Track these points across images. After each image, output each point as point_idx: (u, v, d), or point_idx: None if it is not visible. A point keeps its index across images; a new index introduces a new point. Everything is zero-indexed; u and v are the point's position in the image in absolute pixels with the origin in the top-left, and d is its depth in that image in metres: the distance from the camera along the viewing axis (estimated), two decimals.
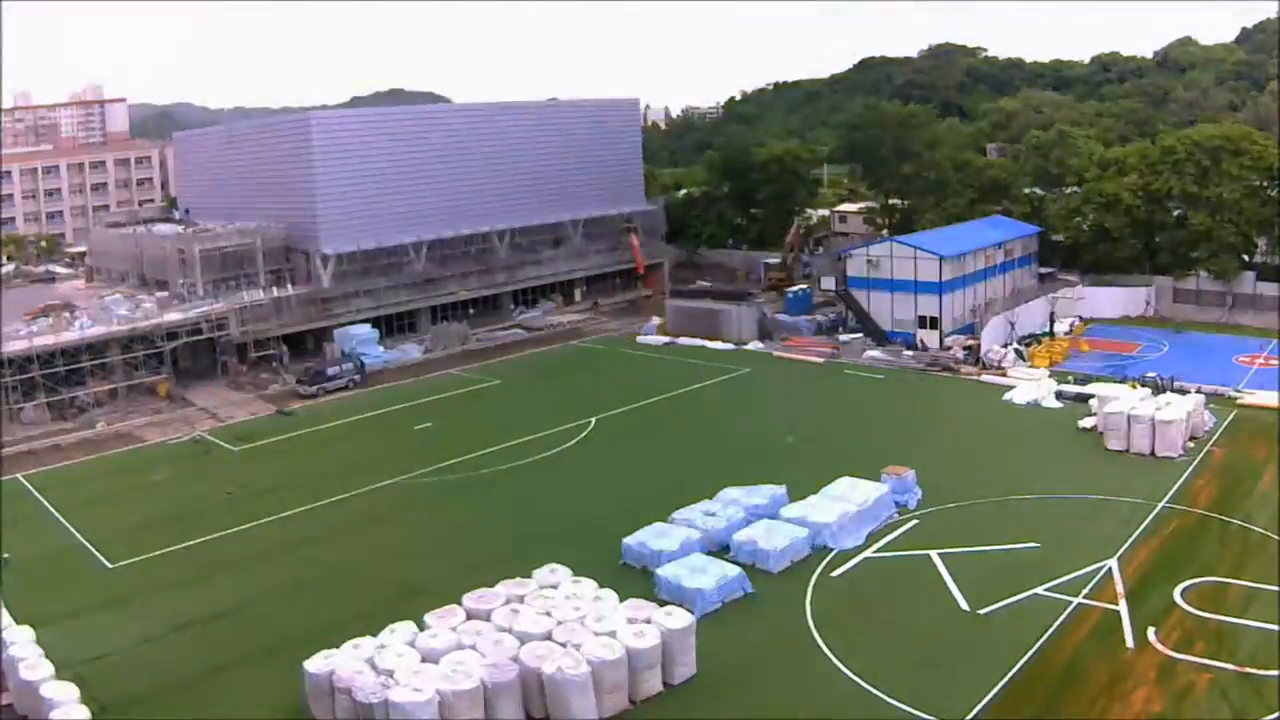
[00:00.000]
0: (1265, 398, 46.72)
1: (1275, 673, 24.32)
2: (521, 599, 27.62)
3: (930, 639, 27.16)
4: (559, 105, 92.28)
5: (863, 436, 45.23)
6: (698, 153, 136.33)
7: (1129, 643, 26.33)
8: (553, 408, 51.38)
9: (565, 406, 51.14)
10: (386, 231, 68.61)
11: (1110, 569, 30.30)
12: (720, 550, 32.40)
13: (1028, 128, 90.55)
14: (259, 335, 60.87)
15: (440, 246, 71.73)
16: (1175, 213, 67.92)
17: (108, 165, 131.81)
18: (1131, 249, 68.92)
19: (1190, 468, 38.76)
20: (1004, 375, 53.48)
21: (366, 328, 64.84)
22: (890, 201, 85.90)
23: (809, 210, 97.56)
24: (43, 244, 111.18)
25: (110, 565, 34.70)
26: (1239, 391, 48.27)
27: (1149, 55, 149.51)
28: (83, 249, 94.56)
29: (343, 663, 24.44)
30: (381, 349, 64.16)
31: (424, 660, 24.67)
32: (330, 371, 57.96)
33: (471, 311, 73.34)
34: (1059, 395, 48.65)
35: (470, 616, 27.00)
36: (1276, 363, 53.25)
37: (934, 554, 31.96)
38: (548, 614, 26.58)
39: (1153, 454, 39.99)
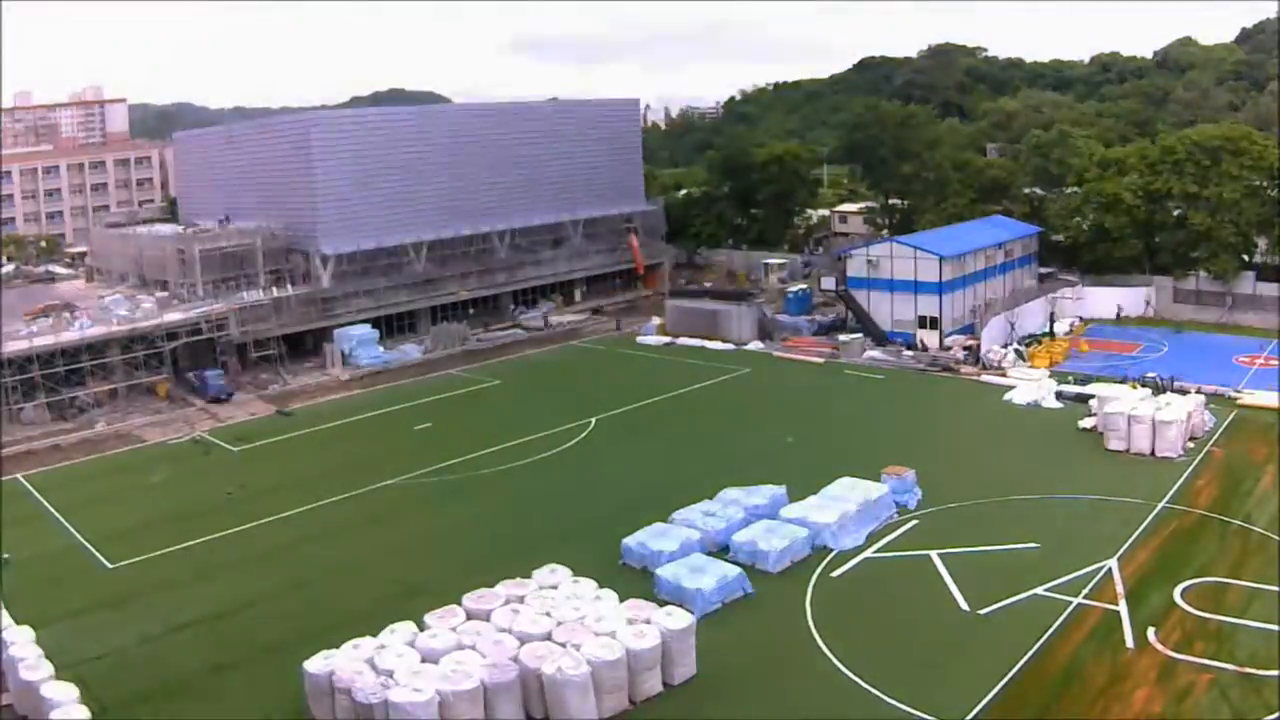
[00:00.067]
0: (1265, 398, 46.72)
1: (1275, 673, 24.32)
2: (521, 599, 27.61)
3: (930, 639, 27.16)
4: (559, 105, 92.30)
5: (863, 436, 45.24)
6: (698, 153, 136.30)
7: (1129, 643, 26.33)
8: (553, 408, 51.39)
9: (565, 406, 51.14)
10: (386, 231, 68.61)
11: (1110, 569, 30.30)
12: (720, 551, 32.40)
13: (1028, 128, 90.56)
14: (259, 335, 60.88)
15: (440, 246, 71.69)
16: (1175, 213, 67.94)
17: (108, 165, 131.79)
18: (1131, 249, 68.91)
19: (1190, 468, 38.76)
20: (1004, 375, 53.48)
21: (366, 328, 64.88)
22: (890, 201, 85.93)
23: (809, 210, 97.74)
24: (43, 244, 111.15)
25: (110, 565, 34.69)
26: (1239, 392, 48.28)
27: (1149, 55, 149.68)
28: (83, 249, 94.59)
29: (343, 663, 24.43)
30: (381, 349, 64.18)
31: (424, 660, 24.66)
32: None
33: (471, 311, 73.32)
34: (1059, 395, 48.66)
35: (470, 616, 26.99)
36: (1276, 363, 53.25)
37: (934, 554, 31.96)
38: (548, 614, 26.56)
39: (1153, 454, 39.99)
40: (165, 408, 54.65)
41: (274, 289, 63.78)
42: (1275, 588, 28.39)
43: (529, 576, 28.97)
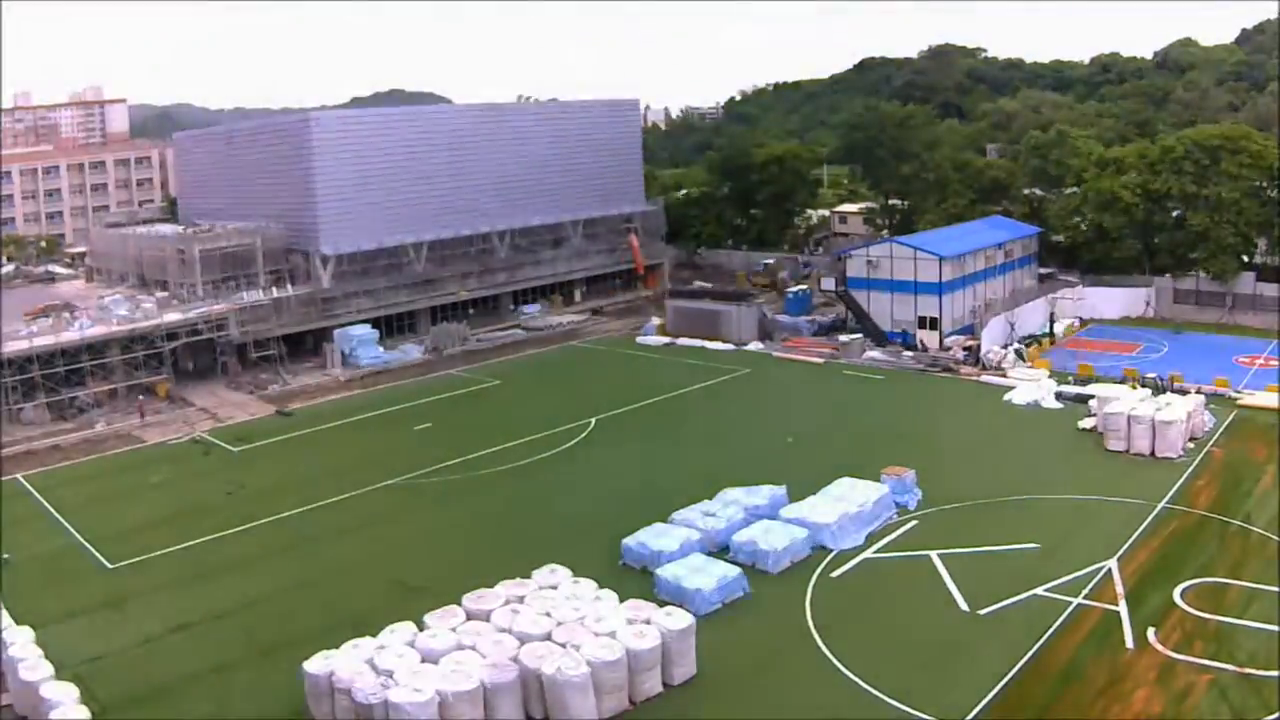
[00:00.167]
0: (1265, 398, 46.71)
1: (1275, 673, 24.33)
2: (521, 599, 27.61)
3: (930, 639, 27.15)
4: (559, 105, 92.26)
5: (863, 437, 45.23)
6: (698, 153, 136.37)
7: (1129, 643, 26.34)
8: (553, 408, 51.39)
9: (565, 407, 51.15)
10: (386, 231, 68.62)
11: (1110, 569, 30.30)
12: (720, 551, 32.40)
13: (1027, 128, 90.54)
14: (259, 335, 60.87)
15: (440, 246, 71.69)
16: (1174, 213, 67.95)
17: (108, 165, 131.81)
18: (1131, 249, 68.95)
19: (1190, 468, 38.76)
20: (1004, 376, 53.47)
21: (366, 328, 64.88)
22: (890, 202, 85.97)
23: (809, 210, 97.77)
24: (43, 244, 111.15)
25: (110, 565, 34.69)
26: (1239, 392, 48.28)
27: (1149, 56, 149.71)
28: (83, 249, 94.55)
29: (342, 663, 24.43)
30: (381, 349, 64.18)
31: (424, 661, 24.66)
32: None
33: (471, 312, 73.31)
34: (1059, 396, 48.66)
35: (470, 617, 26.99)
36: (1276, 363, 53.25)
37: (934, 554, 31.96)
38: (547, 614, 26.56)
39: (1153, 454, 39.98)
40: (165, 408, 54.61)
41: (274, 289, 63.76)
42: (1275, 588, 28.39)
43: (529, 577, 28.96)
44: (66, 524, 38.45)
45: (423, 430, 49.71)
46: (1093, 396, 45.36)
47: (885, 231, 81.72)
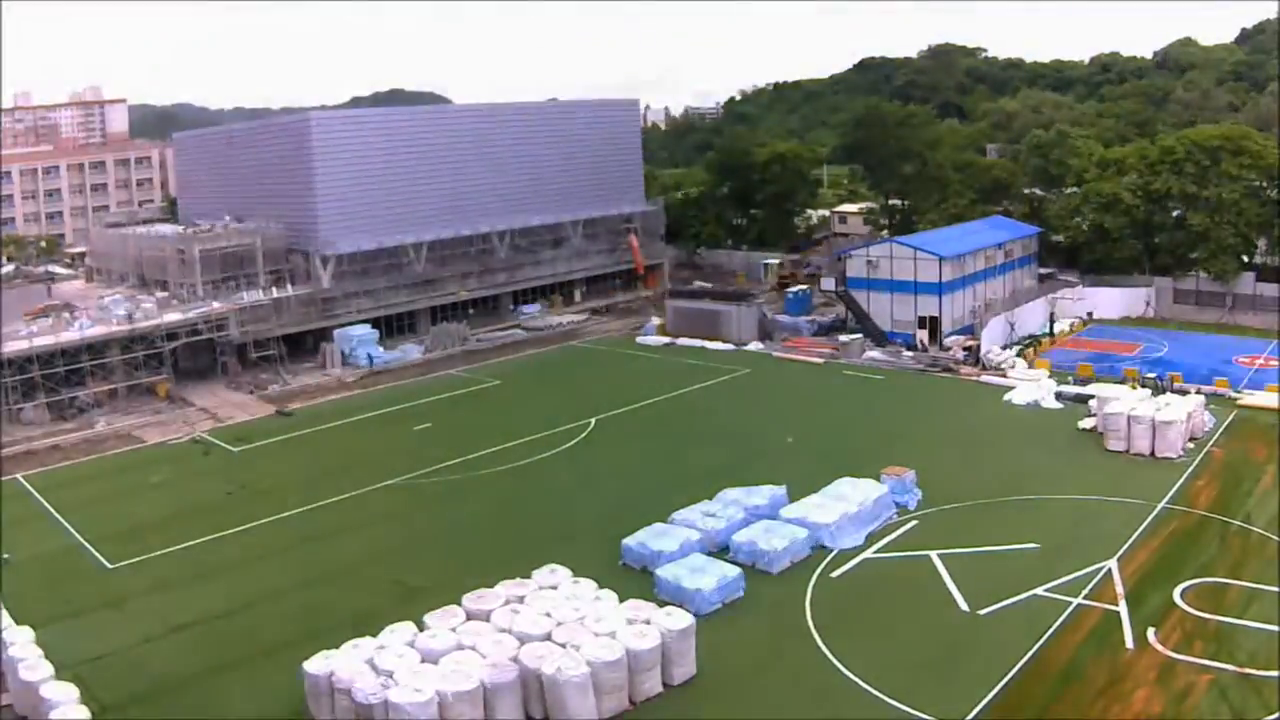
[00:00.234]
0: (1265, 398, 46.72)
1: (1275, 673, 24.33)
2: (521, 599, 27.62)
3: (930, 639, 27.16)
4: (559, 105, 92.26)
5: (863, 437, 45.23)
6: (698, 153, 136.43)
7: (1129, 643, 26.34)
8: (553, 408, 51.39)
9: (565, 407, 51.15)
10: (386, 231, 68.58)
11: (1110, 569, 30.30)
12: (720, 551, 32.40)
13: (1028, 128, 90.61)
14: (259, 336, 60.87)
15: (440, 246, 71.65)
16: (1174, 213, 67.96)
17: (108, 165, 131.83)
18: (1131, 249, 68.95)
19: (1190, 468, 38.77)
20: (1004, 376, 53.48)
21: (366, 328, 64.88)
22: (890, 202, 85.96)
23: (809, 210, 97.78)
24: (43, 244, 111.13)
25: (110, 565, 34.69)
26: (1239, 392, 48.28)
27: (1149, 55, 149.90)
28: (83, 249, 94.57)
29: (342, 663, 24.44)
30: (381, 349, 64.19)
31: (424, 661, 24.66)
32: None
33: (471, 312, 73.30)
34: (1059, 396, 48.67)
35: (470, 617, 26.99)
36: (1276, 363, 53.25)
37: (934, 554, 31.96)
38: (547, 614, 26.57)
39: (1152, 455, 39.99)
40: (165, 408, 54.60)
41: (274, 289, 63.75)
42: (1275, 588, 28.39)
43: (529, 577, 28.96)
44: (66, 524, 38.45)
45: (423, 430, 49.71)
46: (1093, 396, 45.36)
47: (885, 231, 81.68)
